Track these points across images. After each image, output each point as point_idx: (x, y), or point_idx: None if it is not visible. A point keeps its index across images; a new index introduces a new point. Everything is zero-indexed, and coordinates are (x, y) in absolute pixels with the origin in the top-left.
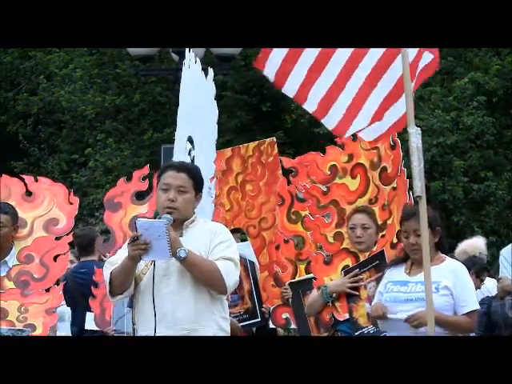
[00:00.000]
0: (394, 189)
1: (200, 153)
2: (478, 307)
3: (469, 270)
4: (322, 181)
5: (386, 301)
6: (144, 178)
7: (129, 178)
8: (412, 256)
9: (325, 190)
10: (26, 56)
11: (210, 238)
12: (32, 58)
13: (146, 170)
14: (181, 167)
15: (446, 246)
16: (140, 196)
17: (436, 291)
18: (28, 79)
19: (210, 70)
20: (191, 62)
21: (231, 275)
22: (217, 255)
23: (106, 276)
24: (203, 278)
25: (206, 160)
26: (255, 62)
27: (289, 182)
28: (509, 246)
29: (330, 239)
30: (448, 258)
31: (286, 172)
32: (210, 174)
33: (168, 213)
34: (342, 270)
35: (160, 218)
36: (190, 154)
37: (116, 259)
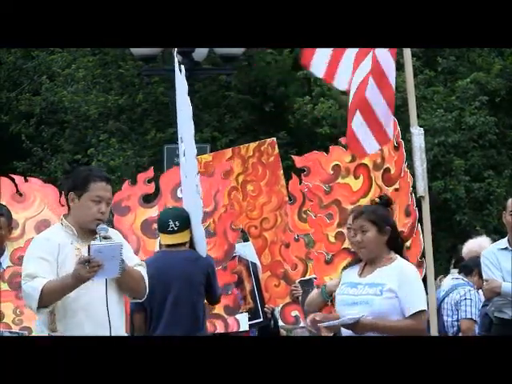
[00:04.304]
0: (397, 190)
1: (187, 151)
2: (424, 308)
3: (472, 270)
4: (324, 180)
5: (337, 303)
6: (149, 181)
7: (134, 182)
8: (359, 254)
9: (327, 189)
10: (28, 56)
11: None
12: (35, 58)
13: (151, 172)
14: (108, 179)
15: (400, 245)
16: (147, 198)
17: (380, 294)
18: (31, 79)
19: (182, 66)
20: (179, 65)
21: (147, 280)
22: (132, 262)
23: (34, 291)
24: (134, 284)
25: (192, 157)
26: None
27: (300, 181)
28: (490, 248)
29: (332, 239)
30: (398, 259)
31: (298, 171)
32: (195, 171)
33: (97, 224)
34: (343, 269)
35: (97, 229)
36: (184, 155)
37: (36, 272)
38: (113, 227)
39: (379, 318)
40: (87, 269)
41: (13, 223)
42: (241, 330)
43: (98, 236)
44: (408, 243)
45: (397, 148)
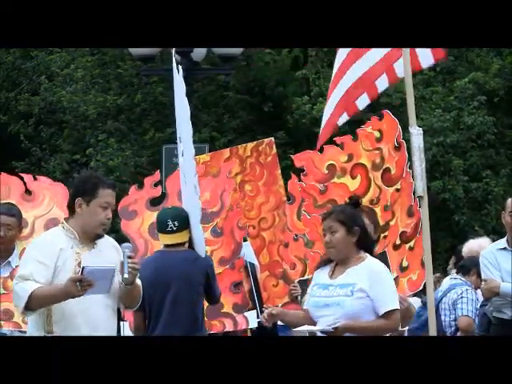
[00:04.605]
0: (398, 190)
1: (186, 151)
2: (396, 307)
3: (470, 270)
4: (319, 180)
5: (310, 305)
6: (156, 185)
7: (140, 186)
8: (328, 255)
9: (322, 189)
10: (27, 56)
11: (117, 254)
12: (34, 58)
13: (157, 176)
14: (114, 186)
15: (370, 244)
16: (153, 201)
17: (350, 294)
18: (29, 79)
19: (180, 67)
20: (176, 65)
21: (141, 290)
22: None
23: (23, 293)
24: (136, 294)
25: (190, 157)
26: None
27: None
28: (489, 248)
29: None
30: (368, 258)
31: (297, 171)
32: (193, 171)
33: (103, 229)
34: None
35: (121, 247)
36: (183, 155)
37: (31, 275)
38: (117, 232)
39: (353, 319)
40: (78, 288)
41: (23, 222)
42: (250, 327)
43: (122, 253)
44: (411, 243)
45: (398, 148)
